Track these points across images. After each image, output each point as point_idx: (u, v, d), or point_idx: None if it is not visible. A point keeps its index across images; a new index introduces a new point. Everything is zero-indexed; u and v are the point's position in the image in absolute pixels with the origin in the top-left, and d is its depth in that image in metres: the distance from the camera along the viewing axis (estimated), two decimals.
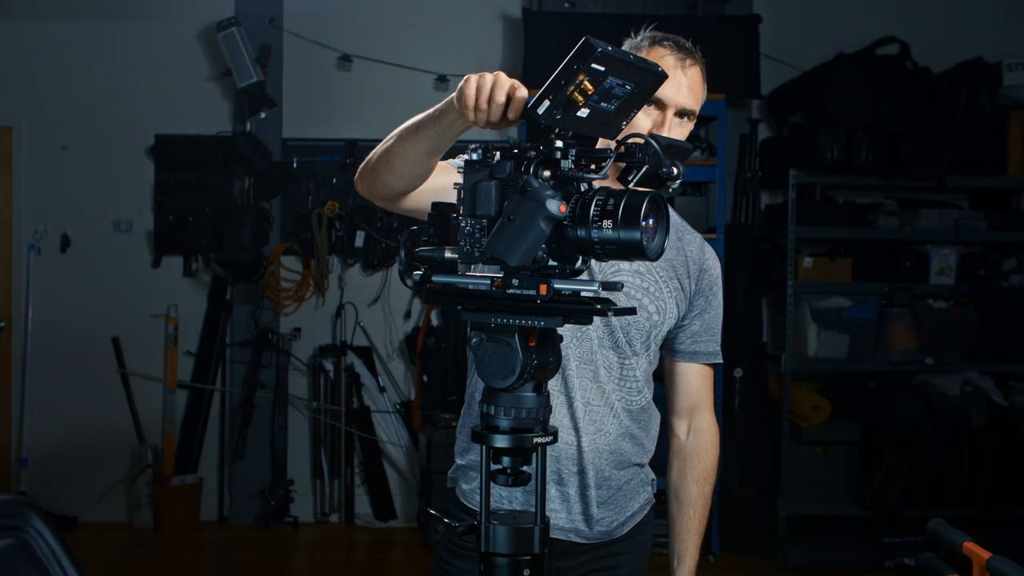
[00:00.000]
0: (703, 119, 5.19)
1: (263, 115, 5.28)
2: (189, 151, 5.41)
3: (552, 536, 1.78)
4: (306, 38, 5.37)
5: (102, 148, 5.44)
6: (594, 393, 1.83)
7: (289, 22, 5.41)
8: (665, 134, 1.79)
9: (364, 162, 1.75)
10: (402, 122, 1.67)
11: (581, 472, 1.84)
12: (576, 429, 1.83)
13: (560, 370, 1.79)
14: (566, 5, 5.08)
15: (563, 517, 1.84)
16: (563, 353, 1.77)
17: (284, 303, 5.44)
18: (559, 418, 1.82)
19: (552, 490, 1.84)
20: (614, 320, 1.81)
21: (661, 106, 1.81)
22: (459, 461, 1.94)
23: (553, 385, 1.81)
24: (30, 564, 1.64)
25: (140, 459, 5.36)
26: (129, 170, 5.45)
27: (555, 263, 1.24)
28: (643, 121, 1.81)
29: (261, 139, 5.29)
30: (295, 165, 5.39)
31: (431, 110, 1.58)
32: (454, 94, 1.48)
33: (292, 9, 5.43)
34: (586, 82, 1.16)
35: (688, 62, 1.84)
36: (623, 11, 5.05)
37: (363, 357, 5.48)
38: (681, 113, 1.83)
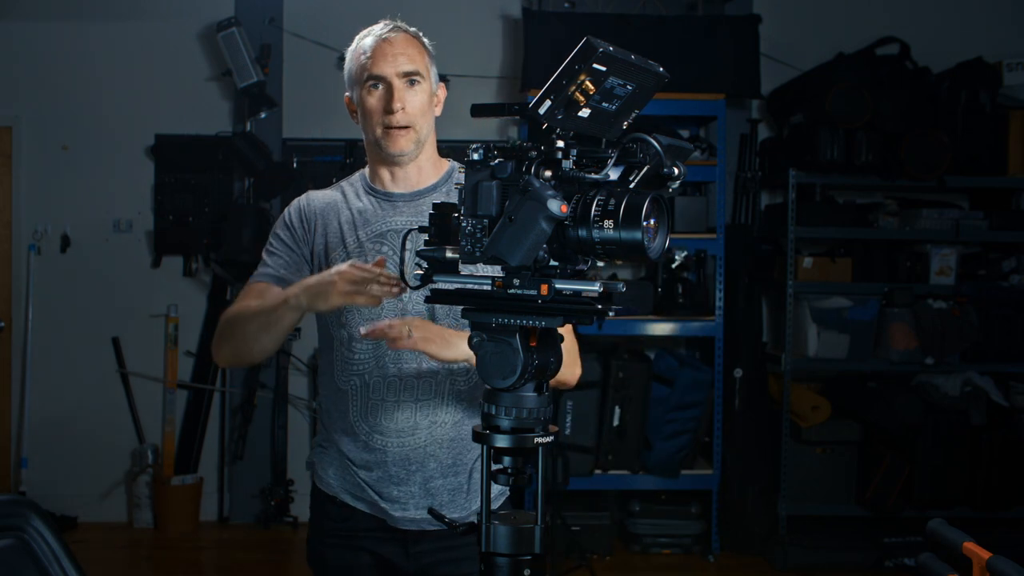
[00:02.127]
0: (703, 119, 5.21)
1: (263, 115, 5.28)
2: (189, 151, 5.41)
3: (404, 528, 1.90)
4: (306, 38, 5.37)
5: (102, 148, 5.44)
6: (423, 388, 1.88)
7: (289, 22, 5.41)
8: (400, 100, 1.85)
9: (219, 343, 1.91)
10: None
11: (423, 465, 1.88)
12: (414, 425, 1.88)
13: (383, 370, 1.88)
14: (566, 5, 5.08)
15: (411, 508, 1.90)
16: (387, 354, 1.87)
17: None
18: (400, 418, 1.88)
19: (403, 484, 1.90)
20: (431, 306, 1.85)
21: (384, 82, 1.87)
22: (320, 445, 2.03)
23: (383, 386, 1.88)
24: (30, 564, 1.64)
25: (140, 459, 5.36)
26: (129, 170, 5.45)
27: (556, 263, 1.24)
28: (374, 102, 1.88)
29: (261, 139, 5.29)
30: (295, 165, 5.39)
31: (271, 311, 1.76)
32: (296, 294, 1.70)
33: (292, 9, 5.43)
34: (587, 82, 1.16)
35: (390, 32, 1.89)
36: (623, 11, 5.05)
37: None
38: (406, 78, 1.87)
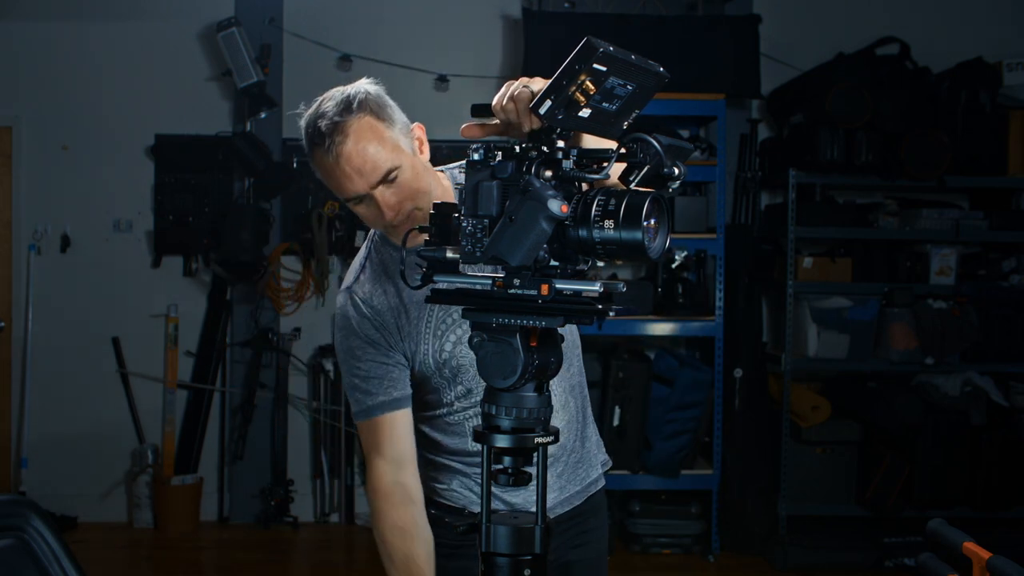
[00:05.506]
0: (703, 119, 5.21)
1: (263, 115, 5.28)
2: (189, 151, 5.41)
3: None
4: (306, 38, 5.37)
5: (102, 148, 5.44)
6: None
7: (289, 22, 5.41)
8: (390, 208, 1.68)
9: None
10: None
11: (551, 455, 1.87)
12: None
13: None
14: (566, 5, 5.08)
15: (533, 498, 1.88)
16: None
17: (284, 303, 5.44)
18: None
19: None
20: None
21: (365, 199, 1.69)
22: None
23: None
24: (30, 564, 1.64)
25: (140, 459, 5.36)
26: (129, 170, 5.45)
27: (557, 263, 1.24)
28: (363, 211, 1.71)
29: (261, 139, 5.29)
30: (295, 165, 5.39)
31: None
32: None
33: (292, 9, 5.43)
34: (588, 82, 1.16)
35: (339, 139, 1.63)
36: (623, 11, 5.05)
37: None
38: (383, 182, 1.67)
